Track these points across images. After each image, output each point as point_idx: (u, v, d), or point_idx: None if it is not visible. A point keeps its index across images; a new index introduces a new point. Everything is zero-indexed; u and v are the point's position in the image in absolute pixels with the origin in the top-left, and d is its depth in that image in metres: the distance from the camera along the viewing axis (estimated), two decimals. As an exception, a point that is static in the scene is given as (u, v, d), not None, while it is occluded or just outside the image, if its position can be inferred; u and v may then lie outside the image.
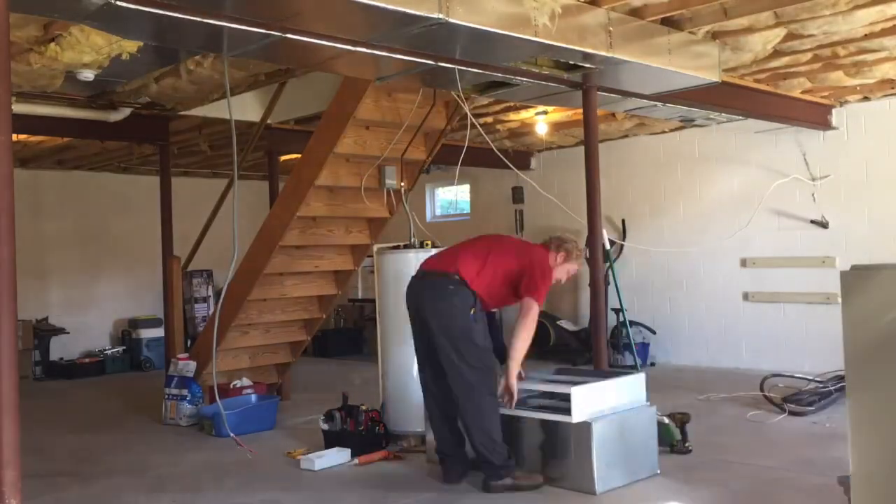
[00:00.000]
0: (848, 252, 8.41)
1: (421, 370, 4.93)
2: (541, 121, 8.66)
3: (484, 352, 4.67)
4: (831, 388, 6.74)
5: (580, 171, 5.96)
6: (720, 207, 9.31)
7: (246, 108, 7.52)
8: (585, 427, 4.50)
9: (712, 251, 9.27)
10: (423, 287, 4.77)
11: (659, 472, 4.83)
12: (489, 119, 8.54)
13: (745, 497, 4.44)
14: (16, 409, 3.01)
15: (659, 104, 6.88)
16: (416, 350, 4.88)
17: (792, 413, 6.26)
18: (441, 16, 4.11)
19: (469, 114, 6.22)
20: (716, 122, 8.66)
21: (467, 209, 12.06)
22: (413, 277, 4.90)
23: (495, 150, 7.32)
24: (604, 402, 4.69)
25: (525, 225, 10.80)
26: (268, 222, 6.80)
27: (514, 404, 4.71)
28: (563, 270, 4.92)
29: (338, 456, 5.36)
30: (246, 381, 7.09)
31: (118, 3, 3.74)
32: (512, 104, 7.76)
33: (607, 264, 7.68)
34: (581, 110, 6.02)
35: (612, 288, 7.85)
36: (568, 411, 4.54)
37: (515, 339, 4.67)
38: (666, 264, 9.66)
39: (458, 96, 6.34)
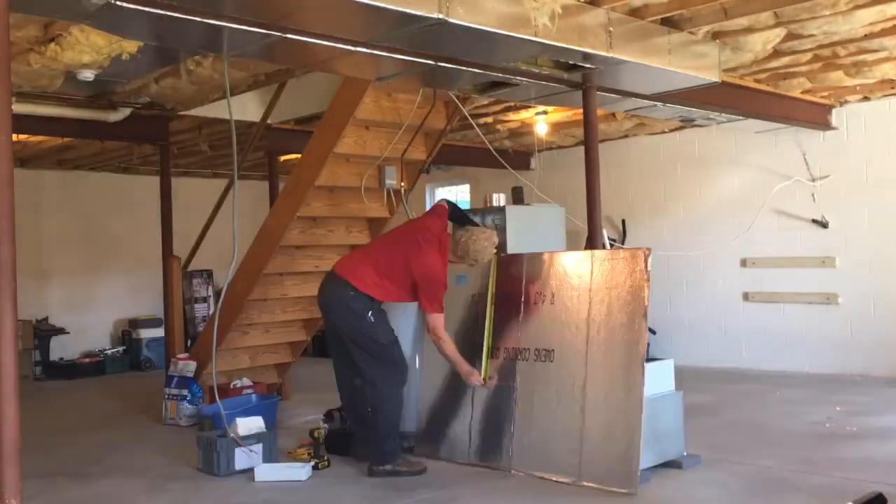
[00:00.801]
0: (848, 252, 8.41)
1: (336, 362, 5.31)
2: (541, 121, 8.66)
3: (387, 347, 5.10)
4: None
5: (580, 171, 5.96)
6: (720, 207, 9.31)
7: (246, 108, 7.52)
8: None
9: (712, 251, 9.28)
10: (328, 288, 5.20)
11: (686, 452, 5.05)
12: (489, 119, 8.54)
13: (745, 497, 4.44)
14: (16, 409, 3.01)
15: (659, 104, 6.88)
16: (330, 344, 5.32)
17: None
18: (441, 16, 4.11)
19: (467, 115, 6.21)
20: (716, 122, 8.66)
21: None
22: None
23: (493, 153, 7.32)
24: None
25: (525, 225, 10.79)
26: (268, 222, 6.80)
27: (482, 384, 5.18)
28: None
29: (290, 472, 5.09)
30: (246, 381, 7.10)
31: (118, 3, 3.74)
32: (512, 104, 7.75)
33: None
34: (581, 110, 6.02)
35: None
36: None
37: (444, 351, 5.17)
38: (666, 264, 9.65)
39: (456, 98, 6.35)
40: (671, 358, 5.45)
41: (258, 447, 5.25)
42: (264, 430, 5.39)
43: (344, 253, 7.26)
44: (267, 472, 5.07)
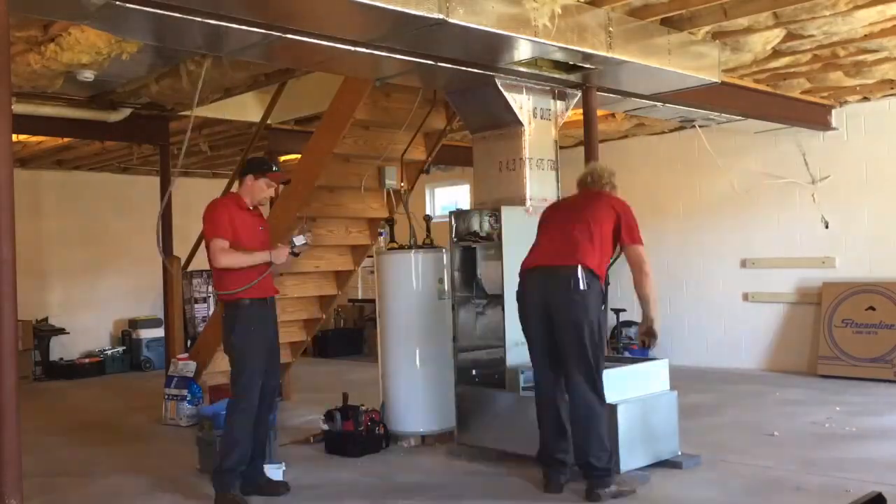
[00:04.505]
0: (848, 252, 8.41)
1: (539, 367, 4.62)
2: (541, 121, 8.64)
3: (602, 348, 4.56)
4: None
5: (580, 172, 5.94)
6: (720, 208, 9.31)
7: (246, 108, 7.51)
8: (611, 409, 4.67)
9: (712, 251, 9.28)
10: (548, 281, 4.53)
11: (680, 452, 5.02)
12: (489, 119, 8.52)
13: (744, 497, 4.44)
14: (16, 410, 3.02)
15: (659, 104, 6.89)
16: (534, 343, 4.62)
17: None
18: (441, 16, 4.11)
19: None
20: (716, 122, 8.66)
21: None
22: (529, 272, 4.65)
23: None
24: (629, 387, 4.92)
25: (525, 225, 10.78)
26: (267, 222, 6.78)
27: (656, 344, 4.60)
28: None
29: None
30: (246, 382, 7.08)
31: (118, 3, 3.74)
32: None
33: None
34: (581, 110, 6.03)
35: (611, 288, 7.84)
36: None
37: (646, 288, 4.70)
38: (666, 264, 9.65)
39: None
40: (671, 358, 5.44)
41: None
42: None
43: (344, 253, 7.28)
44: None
